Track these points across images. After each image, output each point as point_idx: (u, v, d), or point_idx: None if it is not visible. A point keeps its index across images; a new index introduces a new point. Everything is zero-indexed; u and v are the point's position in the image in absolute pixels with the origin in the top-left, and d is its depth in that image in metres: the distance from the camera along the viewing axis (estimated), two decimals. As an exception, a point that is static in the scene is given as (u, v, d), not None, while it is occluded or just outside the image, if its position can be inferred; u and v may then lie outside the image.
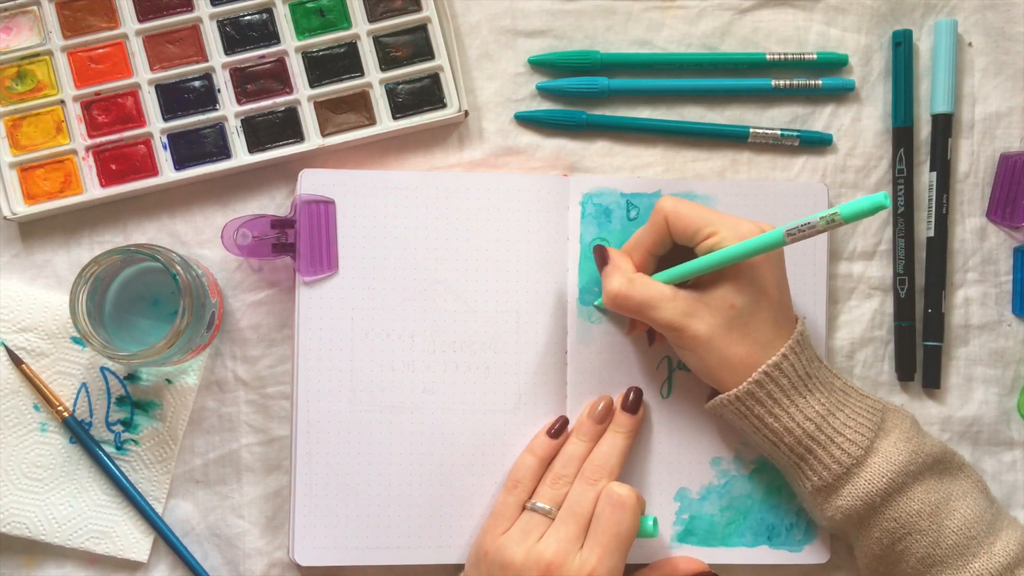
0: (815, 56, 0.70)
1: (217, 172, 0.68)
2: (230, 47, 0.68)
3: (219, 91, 0.68)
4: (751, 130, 0.70)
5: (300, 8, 0.68)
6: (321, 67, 0.68)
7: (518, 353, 0.67)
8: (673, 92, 0.71)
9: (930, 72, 0.71)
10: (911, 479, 0.60)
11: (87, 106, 0.67)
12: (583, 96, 0.70)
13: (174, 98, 0.68)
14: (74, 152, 0.67)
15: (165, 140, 0.67)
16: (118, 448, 0.67)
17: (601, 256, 0.64)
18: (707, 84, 0.71)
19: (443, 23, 0.69)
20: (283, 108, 0.68)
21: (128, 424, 0.67)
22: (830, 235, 0.69)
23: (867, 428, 0.61)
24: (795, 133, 0.70)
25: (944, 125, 0.70)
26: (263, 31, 0.68)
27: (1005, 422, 0.70)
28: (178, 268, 0.60)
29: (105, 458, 0.66)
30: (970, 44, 0.72)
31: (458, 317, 0.66)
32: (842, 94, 0.71)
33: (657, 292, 0.61)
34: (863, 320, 0.70)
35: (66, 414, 0.66)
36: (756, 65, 0.71)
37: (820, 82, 0.70)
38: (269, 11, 0.68)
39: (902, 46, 0.70)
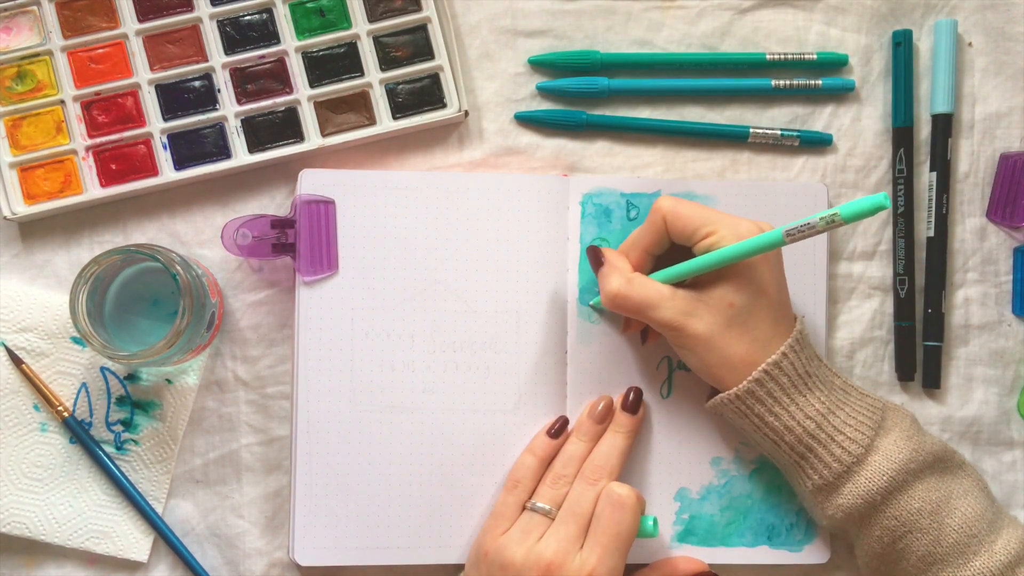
0: (815, 56, 0.71)
1: (217, 172, 0.68)
2: (230, 47, 0.68)
3: (219, 91, 0.68)
4: (751, 130, 0.70)
5: (300, 8, 0.68)
6: (321, 67, 0.68)
7: (518, 353, 0.67)
8: (673, 92, 0.71)
9: (930, 72, 0.71)
10: (912, 477, 0.60)
11: (87, 106, 0.67)
12: (583, 96, 0.70)
13: (174, 98, 0.68)
14: (74, 152, 0.67)
15: (165, 140, 0.67)
16: (118, 448, 0.67)
17: (595, 257, 0.64)
18: (707, 84, 0.71)
19: (443, 23, 0.69)
20: (283, 108, 0.68)
21: (128, 424, 0.67)
22: (830, 235, 0.69)
23: (867, 426, 0.61)
24: (795, 133, 0.70)
25: (944, 125, 0.70)
26: (263, 31, 0.68)
27: (1005, 422, 0.70)
28: (178, 268, 0.60)
29: (105, 458, 0.66)
30: (970, 44, 0.72)
31: (458, 317, 0.66)
32: (842, 94, 0.71)
33: (656, 292, 0.61)
34: (863, 320, 0.70)
35: (66, 414, 0.66)
36: (756, 65, 0.71)
37: (820, 82, 0.70)
38: (269, 11, 0.68)
39: (902, 46, 0.70)
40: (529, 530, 0.61)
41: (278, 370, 0.68)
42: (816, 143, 0.70)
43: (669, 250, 0.63)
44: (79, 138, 0.67)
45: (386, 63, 0.69)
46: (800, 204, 0.69)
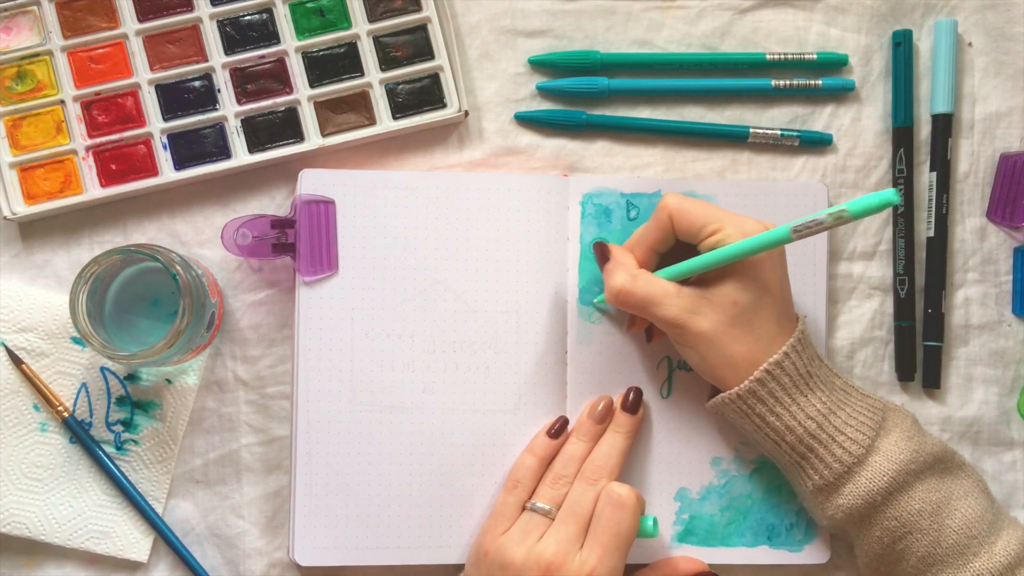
0: (815, 56, 0.71)
1: (217, 172, 0.68)
2: (230, 47, 0.68)
3: (219, 91, 0.68)
4: (751, 130, 0.70)
5: (300, 8, 0.68)
6: (321, 67, 0.68)
7: (518, 353, 0.67)
8: (673, 92, 0.71)
9: (930, 72, 0.71)
10: (912, 478, 0.60)
11: (87, 106, 0.67)
12: (583, 96, 0.70)
13: (174, 98, 0.68)
14: (74, 152, 0.67)
15: (165, 140, 0.67)
16: (118, 448, 0.67)
17: (601, 253, 0.64)
18: (707, 84, 0.71)
19: (443, 23, 0.69)
20: (283, 108, 0.68)
21: (128, 424, 0.67)
22: (830, 235, 0.69)
23: (868, 427, 0.61)
24: (795, 133, 0.70)
25: (944, 125, 0.70)
26: (263, 31, 0.68)
27: (1005, 422, 0.70)
28: (178, 268, 0.60)
29: (105, 458, 0.66)
30: (970, 44, 0.72)
31: (458, 317, 0.66)
32: (842, 94, 0.71)
33: (660, 289, 0.61)
34: (863, 320, 0.70)
35: (66, 414, 0.66)
36: (756, 65, 0.71)
37: (820, 82, 0.70)
38: (269, 11, 0.68)
39: (902, 46, 0.70)
40: (529, 530, 0.61)
41: (278, 370, 0.68)
42: (816, 143, 0.70)
43: (674, 248, 0.63)
44: (79, 138, 0.67)
45: (386, 63, 0.69)
46: (800, 204, 0.69)
